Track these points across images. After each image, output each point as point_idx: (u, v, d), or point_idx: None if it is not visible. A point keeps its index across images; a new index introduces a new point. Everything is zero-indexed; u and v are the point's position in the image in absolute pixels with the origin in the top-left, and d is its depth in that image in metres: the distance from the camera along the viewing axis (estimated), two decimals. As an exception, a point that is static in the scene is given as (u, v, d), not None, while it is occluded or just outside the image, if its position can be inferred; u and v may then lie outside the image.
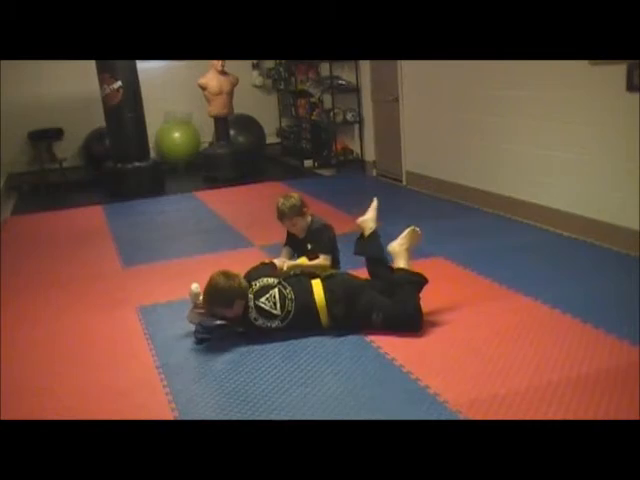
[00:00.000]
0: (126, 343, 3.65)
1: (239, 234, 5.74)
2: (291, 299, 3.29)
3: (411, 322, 3.34)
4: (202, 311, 3.51)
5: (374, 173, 8.09)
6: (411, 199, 6.83)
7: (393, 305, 3.38)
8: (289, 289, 3.34)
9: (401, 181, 7.45)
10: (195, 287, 3.58)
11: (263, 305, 3.29)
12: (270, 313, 3.24)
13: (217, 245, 5.43)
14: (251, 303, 3.30)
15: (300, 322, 3.33)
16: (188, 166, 9.46)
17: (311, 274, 3.50)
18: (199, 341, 3.51)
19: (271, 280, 3.38)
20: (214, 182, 8.32)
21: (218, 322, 3.54)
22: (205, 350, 3.44)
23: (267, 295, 3.31)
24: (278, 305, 3.27)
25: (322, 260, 3.88)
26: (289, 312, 3.25)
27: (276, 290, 3.32)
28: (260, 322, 3.24)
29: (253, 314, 3.26)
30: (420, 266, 4.40)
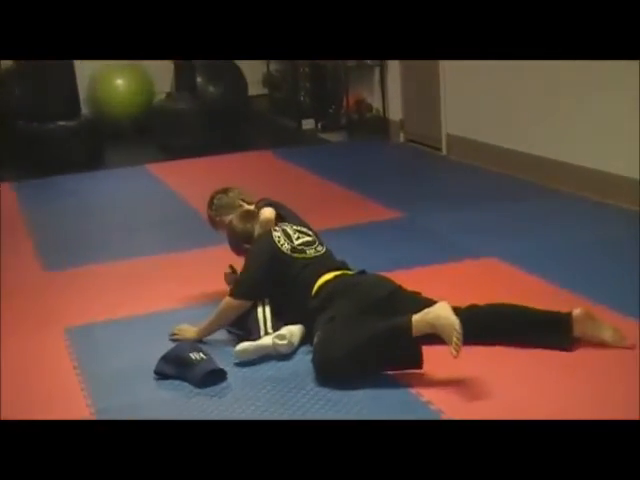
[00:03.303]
0: (47, 380, 3.65)
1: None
2: (315, 250, 4.07)
3: (321, 369, 3.48)
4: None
5: (401, 138, 8.14)
6: (454, 175, 6.87)
7: (331, 336, 3.52)
8: (323, 250, 4.09)
9: (440, 149, 7.49)
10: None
11: (289, 231, 4.11)
12: (290, 238, 4.08)
13: (179, 241, 5.45)
14: (281, 228, 4.13)
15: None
16: (137, 128, 9.48)
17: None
18: (160, 376, 3.53)
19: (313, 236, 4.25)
20: (175, 152, 8.38)
21: (193, 356, 3.54)
22: (165, 388, 3.47)
23: (300, 232, 4.14)
24: (300, 240, 4.07)
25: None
26: (303, 251, 4.03)
27: (310, 238, 4.14)
28: (278, 234, 4.07)
29: (279, 233, 4.10)
30: (464, 270, 4.43)
